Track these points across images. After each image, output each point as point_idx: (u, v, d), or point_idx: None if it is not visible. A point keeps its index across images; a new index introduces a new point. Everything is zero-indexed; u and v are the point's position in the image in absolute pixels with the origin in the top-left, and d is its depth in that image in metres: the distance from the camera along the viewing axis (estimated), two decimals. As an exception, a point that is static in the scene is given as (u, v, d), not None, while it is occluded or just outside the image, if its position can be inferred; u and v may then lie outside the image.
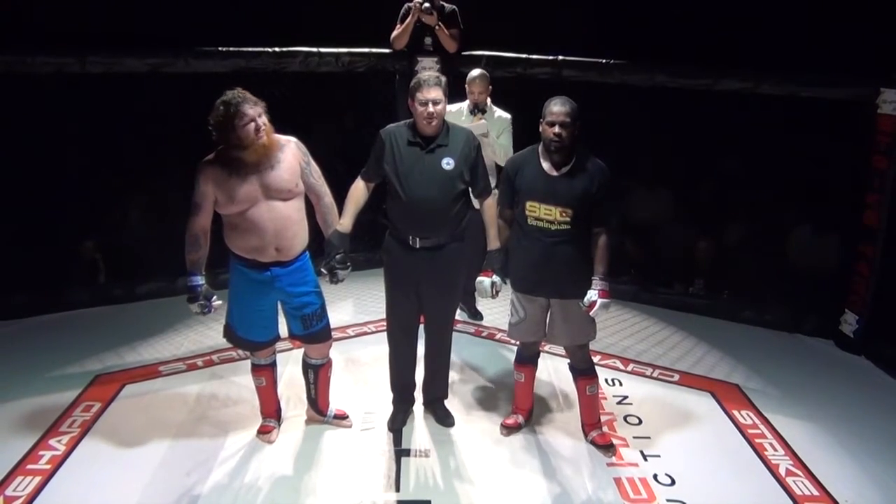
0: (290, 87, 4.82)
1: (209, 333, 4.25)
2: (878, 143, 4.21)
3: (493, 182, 3.60)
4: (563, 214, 3.03)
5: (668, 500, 3.00)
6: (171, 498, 2.93)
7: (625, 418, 3.59)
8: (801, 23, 4.70)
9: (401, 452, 3.26)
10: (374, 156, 3.13)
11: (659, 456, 3.29)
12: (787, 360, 4.30)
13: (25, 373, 3.85)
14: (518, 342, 3.40)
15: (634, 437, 3.42)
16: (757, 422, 3.59)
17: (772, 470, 3.22)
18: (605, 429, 3.41)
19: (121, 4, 4.87)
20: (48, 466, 3.10)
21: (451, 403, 3.56)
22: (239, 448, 3.27)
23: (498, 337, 4.42)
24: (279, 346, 3.35)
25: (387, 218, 3.21)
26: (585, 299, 3.06)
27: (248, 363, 3.34)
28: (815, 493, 3.08)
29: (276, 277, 3.05)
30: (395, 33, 4.75)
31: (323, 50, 4.89)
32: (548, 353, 4.02)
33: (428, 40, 4.80)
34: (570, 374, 3.39)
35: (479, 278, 3.18)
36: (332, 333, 3.34)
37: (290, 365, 3.83)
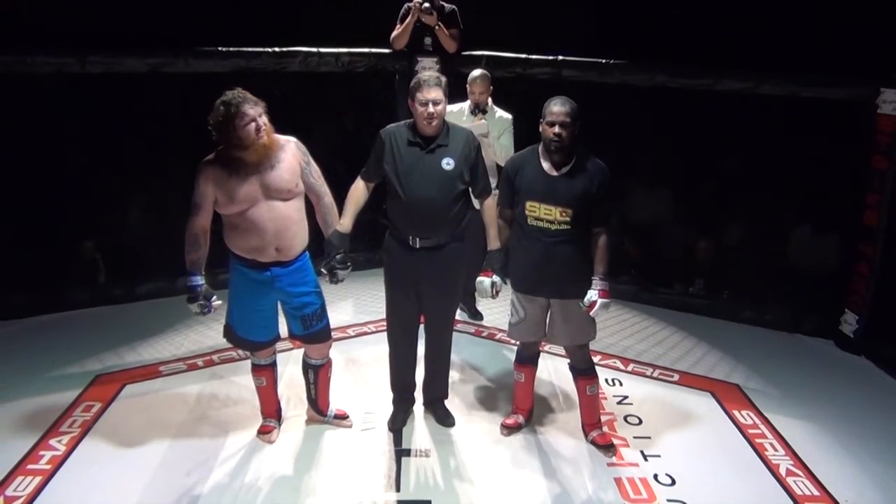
0: (290, 87, 4.82)
1: (209, 333, 4.25)
2: (878, 143, 4.21)
3: (493, 182, 3.60)
4: (563, 214, 3.03)
5: (668, 500, 3.00)
6: (171, 498, 2.93)
7: (625, 418, 3.59)
8: (801, 23, 4.70)
9: (401, 452, 3.26)
10: (374, 156, 3.13)
11: (659, 456, 3.29)
12: (787, 360, 4.30)
13: (25, 373, 3.85)
14: (518, 342, 3.40)
15: (635, 437, 3.42)
16: (757, 422, 3.59)
17: (772, 470, 3.22)
18: (605, 429, 3.41)
19: (121, 4, 4.86)
20: (48, 466, 3.10)
21: (451, 403, 3.56)
22: (239, 448, 3.27)
23: (498, 337, 4.42)
24: (279, 346, 3.35)
25: (387, 218, 3.21)
26: (585, 299, 3.06)
27: (248, 363, 3.34)
28: (816, 493, 3.08)
29: (276, 277, 3.05)
30: (395, 33, 4.75)
31: (323, 50, 4.89)
32: (548, 353, 4.02)
33: (428, 40, 4.80)
34: (570, 374, 3.39)
35: (480, 278, 3.18)
36: (332, 333, 3.34)
37: (290, 365, 3.83)
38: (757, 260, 4.83)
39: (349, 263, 3.12)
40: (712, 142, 4.90)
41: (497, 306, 4.36)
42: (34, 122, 4.47)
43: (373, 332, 4.39)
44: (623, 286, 4.95)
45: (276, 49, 4.77)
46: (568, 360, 3.40)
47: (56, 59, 4.37)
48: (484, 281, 3.17)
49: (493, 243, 3.18)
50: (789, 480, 3.15)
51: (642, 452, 3.31)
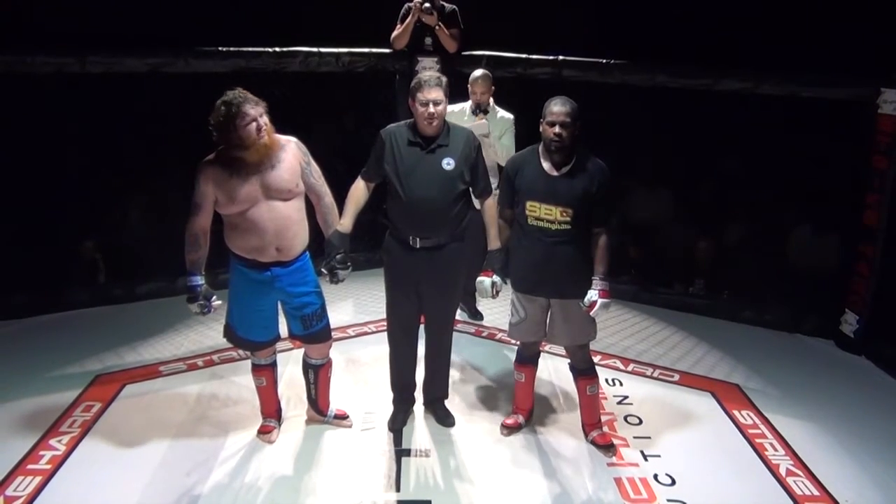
0: (290, 87, 4.82)
1: (209, 333, 4.24)
2: (878, 143, 4.21)
3: (494, 182, 3.60)
4: (564, 214, 3.03)
5: (668, 500, 3.00)
6: (171, 498, 2.93)
7: (625, 418, 3.59)
8: (801, 23, 4.70)
9: (401, 452, 3.26)
10: (374, 156, 3.13)
11: (659, 456, 3.29)
12: (787, 360, 4.30)
13: (25, 373, 3.85)
14: (518, 342, 3.40)
15: (635, 437, 3.42)
16: (757, 422, 3.59)
17: (772, 470, 3.22)
18: (605, 429, 3.41)
19: (121, 4, 4.87)
20: (48, 466, 3.10)
21: (451, 403, 3.56)
22: (239, 448, 3.27)
23: (498, 337, 4.42)
24: (279, 346, 3.35)
25: (387, 218, 3.21)
26: (586, 299, 3.06)
27: (248, 363, 3.34)
28: (816, 493, 3.08)
29: (277, 277, 3.05)
30: (395, 33, 4.75)
31: (323, 50, 4.89)
32: (548, 353, 4.02)
33: (428, 40, 4.79)
34: (570, 374, 3.39)
35: (480, 278, 3.18)
36: (333, 333, 3.34)
37: (290, 365, 3.83)
38: (757, 260, 4.83)
39: (349, 263, 3.12)
40: (712, 142, 4.91)
41: (497, 306, 4.36)
42: (34, 122, 4.47)
43: (373, 332, 4.39)
44: (623, 286, 4.95)
45: (276, 49, 4.77)
46: (568, 360, 3.40)
47: (56, 59, 4.37)
48: (484, 281, 3.17)
49: (494, 243, 3.18)
50: (789, 480, 3.15)
51: (642, 452, 3.31)
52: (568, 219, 3.03)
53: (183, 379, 3.86)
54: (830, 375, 4.13)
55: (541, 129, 3.05)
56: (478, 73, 4.09)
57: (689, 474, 3.15)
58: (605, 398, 3.73)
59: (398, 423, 3.44)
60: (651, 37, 4.87)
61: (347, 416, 3.46)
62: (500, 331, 4.40)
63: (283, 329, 3.24)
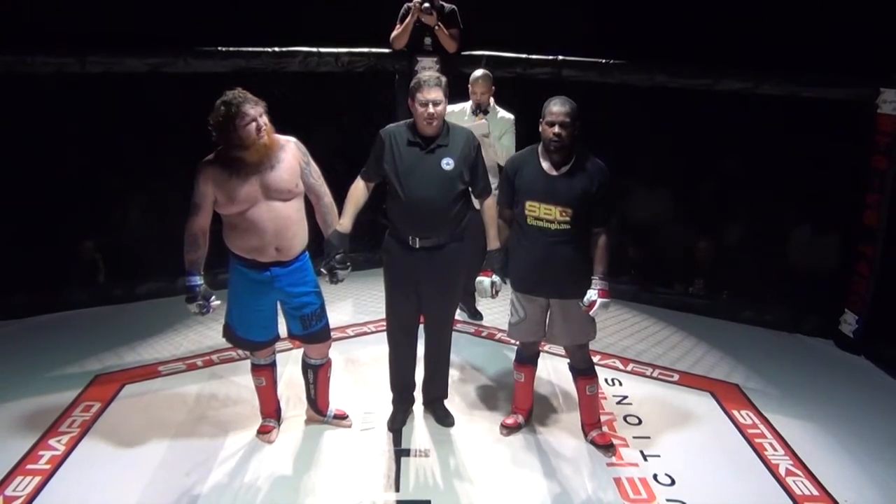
0: (289, 87, 4.82)
1: (209, 333, 4.25)
2: (878, 143, 4.21)
3: (494, 182, 3.60)
4: (563, 214, 3.03)
5: (668, 500, 3.00)
6: (171, 498, 2.93)
7: (625, 418, 3.59)
8: (801, 23, 4.70)
9: (401, 452, 3.26)
10: (373, 156, 3.13)
11: (659, 456, 3.29)
12: (787, 360, 4.30)
13: (25, 373, 3.85)
14: (518, 342, 3.40)
15: (634, 437, 3.42)
16: (757, 422, 3.59)
17: (772, 470, 3.22)
18: (605, 429, 3.41)
19: (121, 4, 4.87)
20: (48, 466, 3.10)
21: (450, 403, 3.56)
22: (239, 448, 3.27)
23: (498, 337, 4.42)
24: (279, 346, 3.35)
25: (387, 218, 3.21)
26: (585, 299, 3.06)
27: (247, 363, 3.34)
28: (815, 493, 3.08)
29: (276, 277, 3.05)
30: (394, 33, 4.75)
31: (323, 50, 4.89)
32: (548, 353, 4.02)
33: (428, 40, 4.80)
34: (569, 374, 3.39)
35: (479, 278, 3.18)
36: (332, 333, 3.34)
37: (289, 365, 3.83)
38: (757, 260, 4.82)
39: (349, 263, 3.12)
40: (712, 142, 4.90)
41: (497, 306, 4.36)
42: (34, 122, 4.47)
43: (372, 332, 4.39)
44: (623, 286, 4.95)
45: (276, 49, 4.77)
46: (568, 360, 3.40)
47: (56, 59, 4.37)
48: (484, 281, 3.17)
49: (493, 243, 3.18)
50: (789, 480, 3.14)
51: (642, 452, 3.31)
52: (567, 219, 3.03)
53: (182, 379, 3.87)
54: (830, 375, 4.13)
55: (540, 128, 3.05)
56: (478, 73, 4.09)
57: (688, 474, 3.15)
58: (605, 398, 3.73)
59: (398, 423, 3.44)
60: (651, 37, 4.86)
61: (347, 416, 3.46)
62: (500, 331, 4.40)
63: (283, 329, 3.24)
